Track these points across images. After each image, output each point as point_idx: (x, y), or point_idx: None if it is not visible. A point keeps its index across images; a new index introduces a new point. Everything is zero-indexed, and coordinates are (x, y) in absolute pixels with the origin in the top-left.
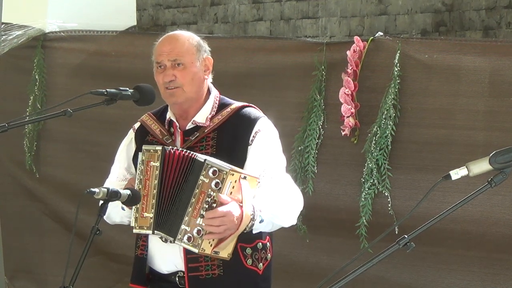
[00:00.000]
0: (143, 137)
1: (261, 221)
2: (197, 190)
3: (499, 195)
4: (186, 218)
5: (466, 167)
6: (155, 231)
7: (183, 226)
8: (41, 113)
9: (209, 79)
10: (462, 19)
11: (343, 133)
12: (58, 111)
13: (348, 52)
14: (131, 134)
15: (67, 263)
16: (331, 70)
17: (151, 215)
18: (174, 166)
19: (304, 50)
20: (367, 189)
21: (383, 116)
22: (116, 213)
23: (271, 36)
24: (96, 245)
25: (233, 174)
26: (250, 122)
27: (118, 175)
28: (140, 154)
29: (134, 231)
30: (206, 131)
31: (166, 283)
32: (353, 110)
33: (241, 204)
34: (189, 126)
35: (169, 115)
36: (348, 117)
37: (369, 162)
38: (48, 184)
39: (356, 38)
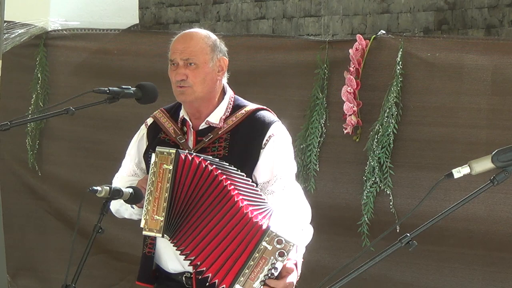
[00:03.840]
0: (155, 134)
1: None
2: (257, 254)
3: (502, 194)
4: (241, 279)
5: (469, 165)
6: (165, 235)
7: (237, 286)
8: (43, 112)
9: (224, 79)
10: (464, 18)
11: (345, 131)
12: (60, 109)
13: (350, 51)
14: (143, 130)
15: (70, 261)
16: (334, 68)
17: (162, 218)
18: (190, 172)
19: (307, 48)
20: (369, 187)
21: (385, 114)
22: (126, 209)
23: (274, 34)
24: (98, 243)
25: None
26: (264, 125)
27: (128, 170)
28: (153, 155)
29: (144, 233)
30: (220, 132)
31: (172, 282)
32: (355, 108)
33: (296, 267)
34: (203, 126)
35: (183, 113)
36: (350, 115)
37: (371, 160)
38: (51, 182)
39: (358, 36)
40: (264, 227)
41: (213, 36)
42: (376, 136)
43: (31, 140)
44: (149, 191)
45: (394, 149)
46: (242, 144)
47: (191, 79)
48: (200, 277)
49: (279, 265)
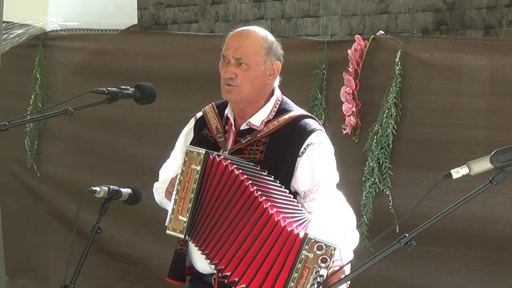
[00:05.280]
0: (200, 128)
1: None
2: (300, 265)
3: (500, 194)
4: None
5: (467, 165)
6: (187, 237)
7: None
8: (42, 112)
9: (276, 82)
10: (463, 18)
11: (344, 132)
12: (59, 110)
13: (349, 51)
14: (191, 123)
15: (68, 261)
16: (332, 69)
17: (185, 219)
18: (217, 175)
19: (305, 49)
20: (368, 188)
21: (384, 115)
22: (167, 202)
23: (272, 34)
24: (97, 244)
25: (338, 248)
26: (304, 133)
27: (175, 162)
28: (183, 154)
29: (167, 232)
30: (258, 135)
31: (203, 284)
32: (354, 109)
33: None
34: (244, 127)
35: (227, 111)
36: (349, 115)
37: (370, 161)
38: (49, 183)
39: (357, 36)
40: (301, 235)
41: (270, 38)
42: (375, 136)
43: (29, 140)
44: (176, 190)
45: (393, 150)
46: (279, 150)
47: (240, 79)
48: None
49: (324, 272)
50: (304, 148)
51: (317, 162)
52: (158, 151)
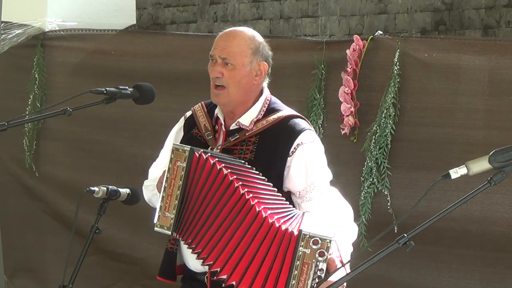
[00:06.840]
0: (190, 127)
1: None
2: (298, 262)
3: (499, 194)
4: None
5: (466, 166)
6: (174, 233)
7: None
8: (40, 112)
9: (264, 83)
10: (461, 18)
11: (342, 132)
12: (57, 110)
13: (347, 51)
14: (181, 122)
15: (67, 261)
16: (331, 69)
17: (172, 215)
18: (204, 173)
19: (304, 49)
20: (366, 188)
21: (383, 115)
22: (157, 200)
23: (271, 35)
24: (96, 244)
25: (334, 239)
26: (294, 133)
27: (166, 161)
28: (170, 151)
29: (155, 229)
30: (247, 134)
31: (196, 282)
32: (352, 109)
33: (342, 261)
34: (233, 126)
35: (217, 111)
36: (347, 116)
37: (368, 161)
38: (48, 183)
39: (355, 37)
40: (295, 232)
41: (258, 39)
42: (374, 136)
43: (28, 140)
44: (163, 188)
45: (391, 150)
46: (269, 149)
47: (226, 79)
48: None
49: (323, 266)
50: (295, 148)
51: (309, 161)
52: (156, 151)
